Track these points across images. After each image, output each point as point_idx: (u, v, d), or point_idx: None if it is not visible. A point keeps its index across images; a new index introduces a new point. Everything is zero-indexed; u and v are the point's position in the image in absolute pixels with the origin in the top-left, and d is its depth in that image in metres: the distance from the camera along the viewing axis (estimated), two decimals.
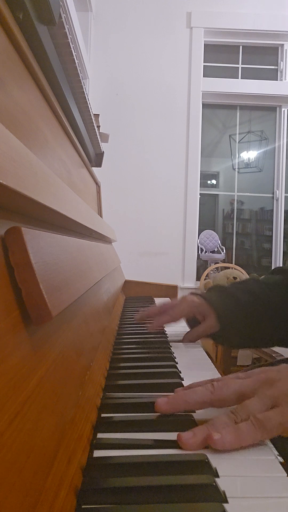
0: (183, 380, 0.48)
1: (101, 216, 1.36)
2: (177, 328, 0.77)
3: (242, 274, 2.82)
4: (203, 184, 3.26)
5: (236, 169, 3.39)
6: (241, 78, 3.21)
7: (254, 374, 0.38)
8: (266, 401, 0.35)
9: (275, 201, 3.27)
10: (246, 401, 0.35)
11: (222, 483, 0.28)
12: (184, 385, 0.42)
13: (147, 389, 0.45)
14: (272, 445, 0.34)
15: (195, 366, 0.57)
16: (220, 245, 3.30)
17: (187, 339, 0.69)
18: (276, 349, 1.31)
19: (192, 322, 0.70)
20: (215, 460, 0.31)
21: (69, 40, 0.61)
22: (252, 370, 0.40)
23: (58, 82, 0.62)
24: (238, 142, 3.40)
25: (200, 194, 3.08)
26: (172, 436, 0.34)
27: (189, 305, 0.67)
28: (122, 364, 0.55)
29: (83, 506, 0.25)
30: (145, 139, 2.97)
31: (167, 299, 1.30)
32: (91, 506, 0.25)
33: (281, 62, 3.18)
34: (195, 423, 0.36)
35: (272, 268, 3.26)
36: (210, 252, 3.23)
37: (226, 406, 0.37)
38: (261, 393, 0.35)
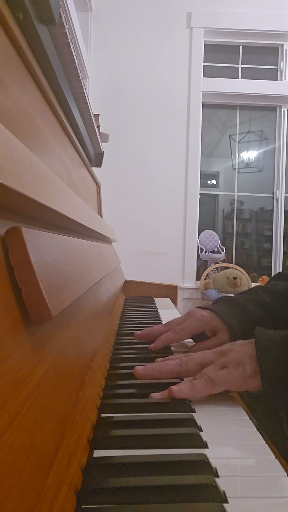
0: (182, 379, 0.48)
1: (101, 216, 1.36)
2: None
3: (242, 274, 2.82)
4: (203, 184, 3.26)
5: (236, 169, 3.39)
6: (241, 78, 3.21)
7: (215, 349, 0.48)
8: (218, 365, 0.44)
9: (275, 201, 3.26)
10: (204, 369, 0.45)
11: (222, 483, 0.28)
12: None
13: (146, 389, 0.45)
14: (271, 445, 0.34)
15: None
16: (220, 245, 3.30)
17: (194, 351, 0.64)
18: None
19: (199, 336, 0.64)
20: (215, 460, 0.31)
21: (69, 40, 0.61)
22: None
23: (58, 82, 0.62)
24: (238, 142, 3.40)
25: (200, 194, 3.08)
26: (172, 435, 0.34)
27: (198, 321, 0.62)
28: (122, 364, 0.55)
29: (83, 506, 0.25)
30: (145, 139, 2.97)
31: (167, 299, 1.31)
32: (91, 506, 0.25)
33: (281, 62, 3.18)
34: (195, 423, 0.36)
35: (272, 268, 3.26)
36: (210, 252, 3.23)
37: (190, 376, 0.45)
38: (216, 361, 0.45)
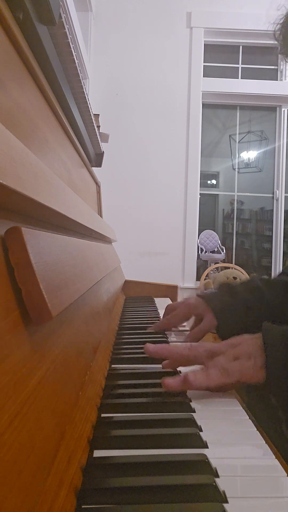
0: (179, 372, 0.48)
1: (101, 216, 1.36)
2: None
3: (242, 274, 2.82)
4: (203, 184, 3.26)
5: (236, 169, 3.39)
6: (241, 78, 3.20)
7: (225, 341, 0.49)
8: (230, 357, 0.45)
9: (275, 201, 3.26)
10: (215, 358, 0.45)
11: (222, 483, 0.28)
12: None
13: (147, 389, 0.45)
14: (272, 445, 0.34)
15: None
16: (220, 245, 3.30)
17: (192, 338, 0.70)
18: None
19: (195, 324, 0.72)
20: (215, 460, 0.31)
21: (69, 40, 0.61)
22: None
23: (58, 82, 0.62)
24: (238, 142, 3.40)
25: (200, 194, 3.08)
26: (172, 436, 0.34)
27: (186, 308, 0.70)
28: (122, 365, 0.55)
29: (83, 506, 0.25)
30: (145, 139, 2.97)
31: (167, 299, 1.31)
32: (91, 506, 0.25)
33: (281, 62, 3.18)
34: (195, 423, 0.36)
35: (272, 268, 3.26)
36: (210, 252, 3.23)
37: (199, 362, 0.47)
38: (227, 352, 0.46)
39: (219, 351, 0.47)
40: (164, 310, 0.80)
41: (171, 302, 1.24)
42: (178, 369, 0.52)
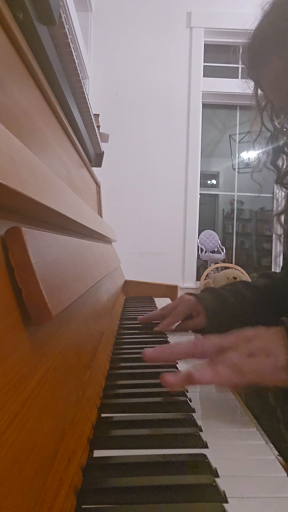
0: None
1: (101, 216, 1.36)
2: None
3: (242, 274, 2.82)
4: (203, 184, 3.26)
5: (236, 169, 3.39)
6: (241, 78, 3.20)
7: (235, 332, 0.42)
8: (243, 352, 0.38)
9: (275, 201, 3.26)
10: (225, 353, 0.39)
11: (222, 483, 0.28)
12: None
13: (147, 389, 0.45)
14: (272, 445, 0.34)
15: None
16: (220, 245, 3.30)
17: (180, 328, 0.77)
18: None
19: (187, 316, 0.79)
20: (215, 460, 0.31)
21: (69, 40, 0.61)
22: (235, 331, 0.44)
23: (58, 82, 0.62)
24: (238, 142, 3.40)
25: (200, 194, 3.08)
26: (172, 435, 0.34)
27: (187, 305, 0.74)
28: (122, 364, 0.55)
29: (83, 506, 0.25)
30: (145, 139, 2.97)
31: (167, 299, 1.31)
32: (91, 506, 0.25)
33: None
34: (195, 423, 0.36)
35: (272, 268, 3.27)
36: (210, 252, 3.23)
37: (207, 358, 0.41)
38: (240, 347, 0.39)
39: (231, 345, 0.40)
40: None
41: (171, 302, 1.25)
42: (178, 365, 0.52)
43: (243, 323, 0.71)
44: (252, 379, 0.37)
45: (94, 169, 1.29)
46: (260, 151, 0.67)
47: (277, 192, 0.73)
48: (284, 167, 0.68)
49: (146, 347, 0.64)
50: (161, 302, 1.21)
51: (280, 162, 0.67)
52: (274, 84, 0.59)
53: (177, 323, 0.76)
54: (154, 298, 1.29)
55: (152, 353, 0.42)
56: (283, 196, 0.71)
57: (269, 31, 0.58)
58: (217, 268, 3.12)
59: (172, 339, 0.72)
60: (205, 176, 3.32)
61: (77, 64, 0.70)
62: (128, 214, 2.92)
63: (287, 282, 0.76)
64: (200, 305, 0.73)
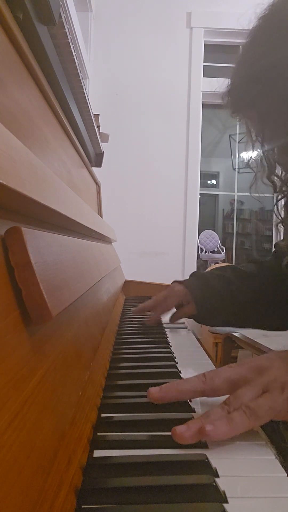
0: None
1: (101, 216, 1.36)
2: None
3: None
4: (203, 184, 3.26)
5: (236, 169, 3.39)
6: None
7: (245, 363, 0.39)
8: (257, 388, 0.36)
9: (275, 200, 3.26)
10: (238, 391, 0.36)
11: (222, 483, 0.28)
12: None
13: (147, 389, 0.45)
14: (272, 445, 0.34)
15: (195, 366, 0.57)
16: (220, 245, 3.30)
17: (173, 319, 0.83)
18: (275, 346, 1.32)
19: (178, 306, 0.83)
20: (215, 460, 0.31)
21: (69, 40, 0.61)
22: (243, 360, 0.41)
23: (58, 82, 0.62)
24: (238, 142, 3.40)
25: (200, 194, 3.08)
26: (171, 435, 0.34)
27: (177, 295, 0.78)
28: (122, 364, 0.55)
29: (83, 506, 0.25)
30: (145, 139, 2.97)
31: None
32: (91, 506, 0.25)
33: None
34: None
35: None
36: (210, 252, 3.23)
37: (218, 395, 0.38)
38: (252, 381, 0.36)
39: (241, 379, 0.37)
40: (164, 318, 0.88)
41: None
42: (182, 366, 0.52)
43: (231, 308, 0.77)
44: (269, 419, 0.34)
45: (94, 169, 1.29)
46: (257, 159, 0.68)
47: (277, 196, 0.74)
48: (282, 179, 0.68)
49: (146, 347, 0.65)
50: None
51: (275, 177, 0.68)
52: (259, 124, 0.58)
53: (168, 313, 0.82)
54: None
55: (158, 393, 0.38)
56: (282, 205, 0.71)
57: (242, 83, 0.57)
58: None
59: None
60: (205, 176, 3.32)
61: (77, 64, 0.70)
62: (128, 214, 2.92)
63: (275, 269, 0.79)
64: (189, 293, 0.77)
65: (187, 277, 0.82)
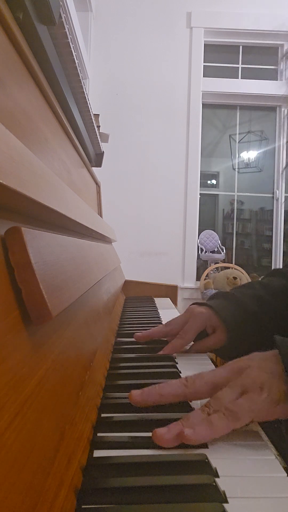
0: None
1: (101, 216, 1.36)
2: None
3: (242, 274, 2.82)
4: (203, 184, 3.26)
5: (236, 169, 3.39)
6: (241, 78, 3.21)
7: (227, 364, 0.39)
8: (236, 389, 0.35)
9: (275, 201, 3.26)
10: (218, 393, 0.36)
11: (222, 483, 0.28)
12: None
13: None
14: (272, 445, 0.34)
15: (195, 366, 0.57)
16: (220, 245, 3.30)
17: (195, 350, 0.62)
18: None
19: (199, 334, 0.62)
20: (215, 460, 0.31)
21: (69, 40, 0.61)
22: (228, 362, 0.40)
23: (58, 82, 0.62)
24: (238, 142, 3.40)
25: (200, 194, 3.08)
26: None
27: (199, 320, 0.60)
28: (122, 364, 0.55)
29: (83, 506, 0.25)
30: (145, 139, 2.97)
31: (167, 299, 1.31)
32: (91, 506, 0.25)
33: (281, 62, 3.18)
34: None
35: (272, 268, 3.26)
36: (210, 252, 3.23)
37: (200, 398, 0.38)
38: (232, 382, 0.36)
39: (222, 381, 0.37)
40: (163, 313, 0.75)
41: (171, 303, 1.23)
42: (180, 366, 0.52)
43: (265, 334, 0.59)
44: (249, 419, 0.34)
45: (94, 169, 1.29)
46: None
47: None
48: None
49: (146, 347, 0.65)
50: (161, 302, 1.21)
51: None
52: None
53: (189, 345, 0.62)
54: (154, 298, 1.29)
55: (138, 396, 0.38)
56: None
57: None
58: (217, 268, 3.12)
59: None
60: (205, 176, 3.32)
61: (77, 64, 0.70)
62: (128, 214, 2.92)
63: None
64: (217, 318, 0.60)
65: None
